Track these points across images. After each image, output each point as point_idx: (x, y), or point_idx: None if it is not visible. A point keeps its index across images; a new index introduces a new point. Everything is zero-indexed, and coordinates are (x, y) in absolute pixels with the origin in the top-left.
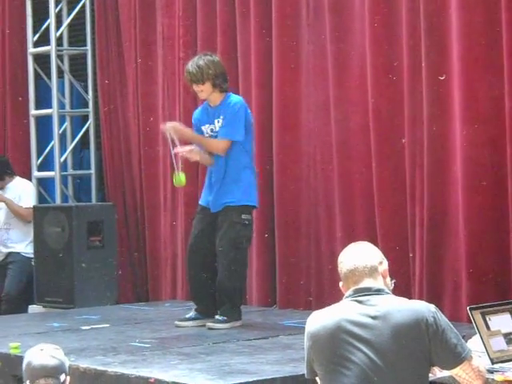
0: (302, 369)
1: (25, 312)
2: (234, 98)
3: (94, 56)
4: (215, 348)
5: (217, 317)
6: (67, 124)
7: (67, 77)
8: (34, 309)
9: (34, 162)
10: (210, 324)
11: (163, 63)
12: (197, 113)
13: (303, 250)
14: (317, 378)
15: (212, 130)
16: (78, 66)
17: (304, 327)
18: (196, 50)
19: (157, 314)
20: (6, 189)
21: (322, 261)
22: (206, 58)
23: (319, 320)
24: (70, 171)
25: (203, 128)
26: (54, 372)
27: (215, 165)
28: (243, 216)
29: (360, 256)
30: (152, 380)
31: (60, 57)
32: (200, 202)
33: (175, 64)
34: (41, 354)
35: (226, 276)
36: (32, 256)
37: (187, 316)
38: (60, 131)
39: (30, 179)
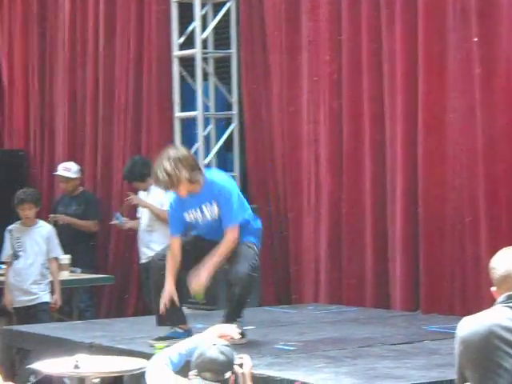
0: (448, 374)
1: None
2: (217, 180)
3: (238, 59)
4: (360, 352)
5: None
6: (211, 127)
7: (212, 79)
8: None
9: None
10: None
11: (308, 67)
12: (176, 200)
13: (447, 254)
14: None
15: (204, 218)
16: (222, 68)
17: (448, 332)
18: (341, 53)
19: (300, 317)
20: (150, 190)
21: (466, 266)
22: (172, 158)
23: (471, 325)
24: None
25: (186, 214)
26: (221, 368)
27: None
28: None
29: None
30: (298, 383)
31: (205, 59)
32: None
33: (320, 67)
34: (213, 348)
35: None
36: None
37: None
38: (204, 134)
39: None
